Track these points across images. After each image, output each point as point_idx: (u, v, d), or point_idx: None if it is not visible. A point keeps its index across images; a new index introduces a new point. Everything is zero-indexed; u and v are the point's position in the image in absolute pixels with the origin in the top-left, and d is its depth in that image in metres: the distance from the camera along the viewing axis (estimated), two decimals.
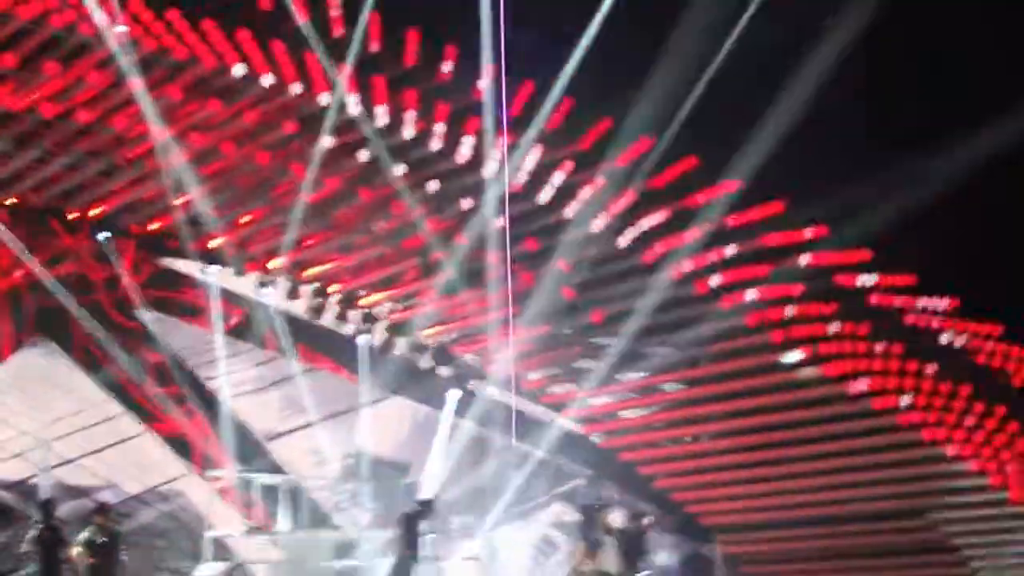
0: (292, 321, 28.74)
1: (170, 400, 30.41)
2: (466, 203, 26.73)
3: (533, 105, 26.13)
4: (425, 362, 29.40)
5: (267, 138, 25.69)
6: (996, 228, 27.71)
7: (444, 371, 29.44)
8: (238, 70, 24.57)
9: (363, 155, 25.95)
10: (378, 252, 27.98)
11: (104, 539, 22.66)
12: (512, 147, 26.36)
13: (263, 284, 28.11)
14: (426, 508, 24.33)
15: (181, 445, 30.77)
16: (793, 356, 26.73)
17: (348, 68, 25.06)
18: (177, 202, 27.10)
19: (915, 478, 26.70)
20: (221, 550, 26.59)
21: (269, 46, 24.90)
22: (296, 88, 24.96)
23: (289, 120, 25.38)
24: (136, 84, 24.29)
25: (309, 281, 28.35)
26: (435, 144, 25.96)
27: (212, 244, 27.73)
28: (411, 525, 23.65)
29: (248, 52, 24.72)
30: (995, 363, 27.78)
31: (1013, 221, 27.68)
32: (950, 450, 26.39)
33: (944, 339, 27.70)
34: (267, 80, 24.77)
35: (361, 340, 28.89)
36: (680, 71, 25.67)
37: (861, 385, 26.58)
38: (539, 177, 26.69)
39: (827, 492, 27.11)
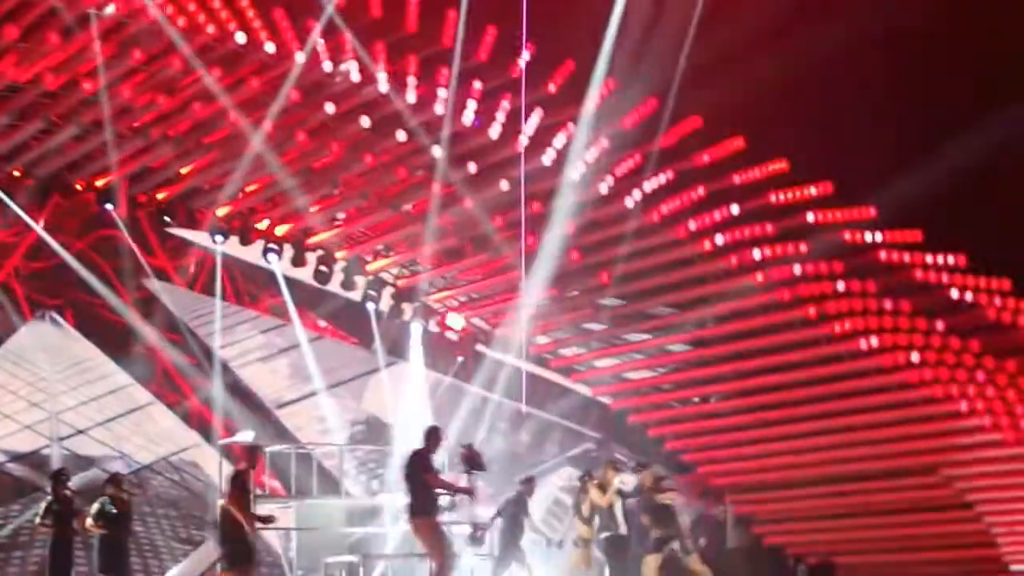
0: (299, 288, 28.74)
1: (180, 369, 30.53)
2: (472, 167, 26.63)
3: (538, 68, 26.01)
4: (433, 327, 29.42)
5: (271, 106, 25.60)
6: (1001, 184, 27.61)
7: (451, 335, 29.46)
8: (240, 38, 24.46)
9: (366, 121, 25.83)
10: (384, 217, 27.92)
11: (116, 510, 22.73)
12: (516, 110, 26.26)
13: (269, 251, 28.06)
14: (528, 486, 23.53)
15: (191, 414, 30.90)
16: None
17: (349, 34, 24.93)
18: (183, 171, 27.12)
19: (926, 435, 26.61)
20: None
21: (270, 14, 24.78)
22: (298, 56, 24.84)
23: (291, 87, 25.27)
24: (139, 54, 24.19)
25: (315, 248, 28.31)
26: (439, 108, 25.83)
27: (219, 213, 27.72)
28: (516, 509, 23.20)
29: (248, 20, 24.59)
30: (1005, 318, 27.65)
31: (1019, 177, 27.56)
32: (961, 406, 26.29)
33: (953, 295, 27.59)
34: (269, 48, 24.65)
35: (369, 306, 28.91)
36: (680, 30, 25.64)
37: (871, 342, 26.50)
38: (542, 139, 26.58)
39: (837, 451, 27.04)
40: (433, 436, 19.88)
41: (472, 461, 20.47)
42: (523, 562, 22.59)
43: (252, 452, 20.09)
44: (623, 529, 23.08)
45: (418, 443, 19.80)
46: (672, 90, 26.40)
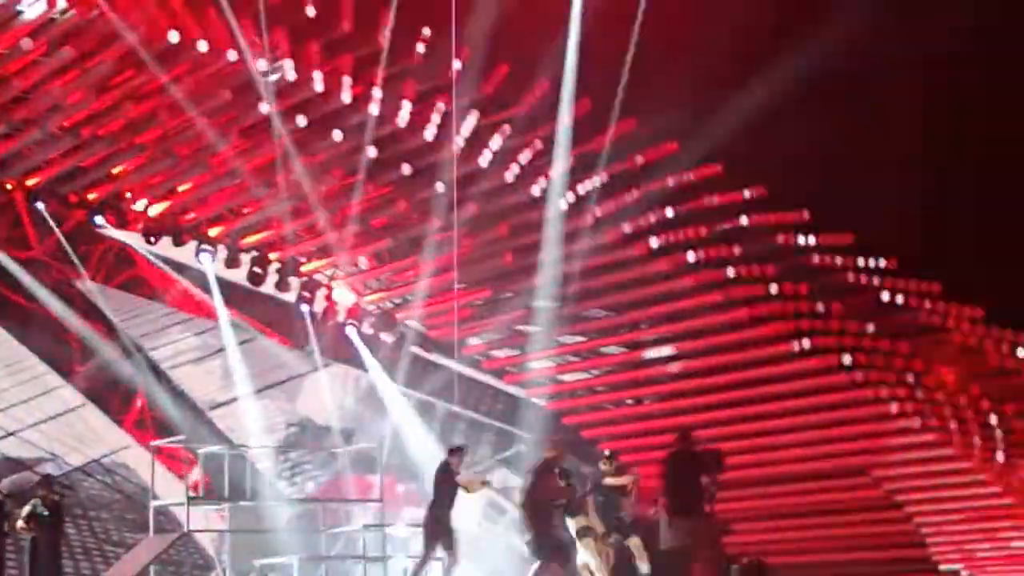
0: (232, 289, 28.61)
1: (112, 370, 30.31)
2: (406, 168, 26.62)
3: (473, 70, 26.03)
4: (367, 328, 29.36)
5: (204, 106, 25.49)
6: (934, 187, 27.84)
7: (386, 337, 29.40)
8: (172, 37, 24.34)
9: (301, 122, 25.77)
10: (319, 219, 27.85)
11: (48, 512, 22.56)
12: (451, 111, 26.27)
13: (202, 252, 27.90)
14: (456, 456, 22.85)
15: (124, 415, 30.71)
16: None
17: (284, 34, 24.88)
18: (115, 171, 26.94)
19: (857, 436, 26.86)
20: (165, 520, 26.51)
21: (204, 13, 24.67)
22: (232, 55, 24.75)
23: (225, 87, 25.18)
24: (70, 52, 24.04)
25: (248, 249, 28.19)
26: (374, 109, 25.80)
27: (151, 213, 27.55)
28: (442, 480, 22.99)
29: (182, 19, 24.48)
30: (934, 321, 27.93)
31: (950, 179, 27.79)
32: (891, 408, 26.54)
33: (884, 298, 27.84)
34: (202, 47, 24.55)
35: (302, 307, 28.83)
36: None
37: (802, 344, 26.70)
38: (479, 142, 26.61)
39: (769, 452, 27.27)
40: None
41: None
42: (450, 546, 22.32)
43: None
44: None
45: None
46: (617, 99, 26.47)
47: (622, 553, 22.73)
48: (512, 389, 30.33)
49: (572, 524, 23.16)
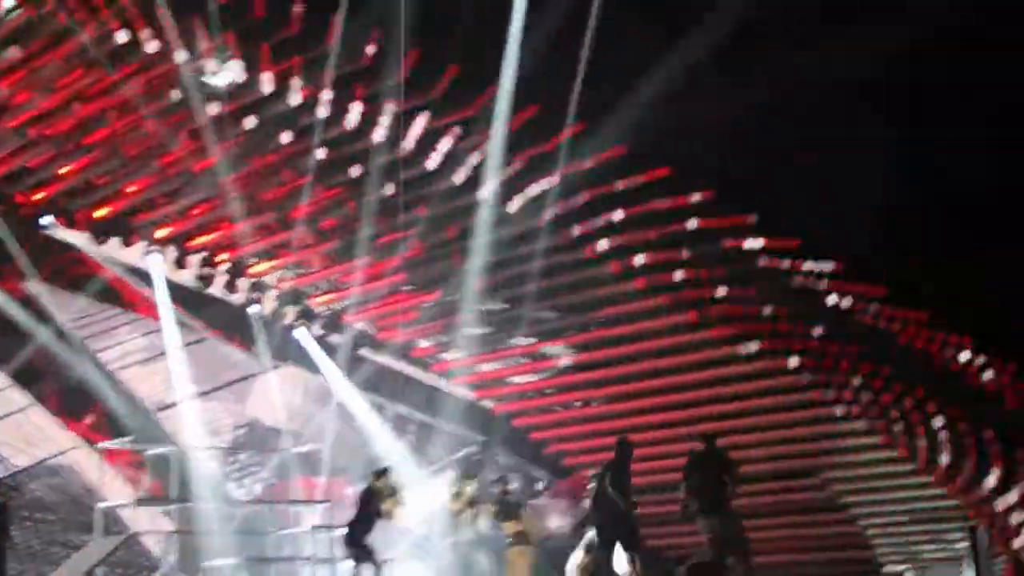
0: (181, 291, 28.51)
1: (59, 372, 30.16)
2: (355, 170, 26.59)
3: (421, 71, 26.02)
4: (316, 330, 29.32)
5: (153, 106, 25.42)
6: (881, 192, 28.04)
7: (335, 339, 29.38)
8: (121, 37, 24.25)
9: (250, 122, 25.73)
10: (267, 220, 27.79)
11: None
12: (400, 114, 26.27)
13: (150, 254, 27.80)
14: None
15: (71, 417, 30.54)
16: None
17: (233, 35, 24.83)
18: (63, 171, 26.81)
19: (804, 439, 27.00)
20: (112, 522, 26.42)
21: (153, 12, 24.59)
22: (181, 55, 24.68)
23: (174, 88, 25.12)
24: (16, 52, 23.94)
25: (197, 250, 28.11)
26: (322, 111, 25.78)
27: (98, 214, 27.43)
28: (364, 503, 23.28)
29: (130, 18, 24.39)
30: (880, 324, 28.13)
31: (895, 187, 28.01)
32: (837, 411, 26.70)
33: (831, 301, 28.01)
34: (151, 47, 24.47)
35: (251, 309, 28.76)
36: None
37: (750, 347, 26.84)
38: (427, 144, 26.61)
39: None
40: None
41: None
42: (369, 560, 22.60)
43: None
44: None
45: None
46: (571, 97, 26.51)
47: None
48: (461, 391, 30.39)
49: (507, 528, 23.50)
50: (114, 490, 27.42)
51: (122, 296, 30.40)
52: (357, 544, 22.62)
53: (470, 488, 23.62)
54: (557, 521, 28.79)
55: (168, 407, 29.73)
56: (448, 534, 23.64)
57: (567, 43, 25.62)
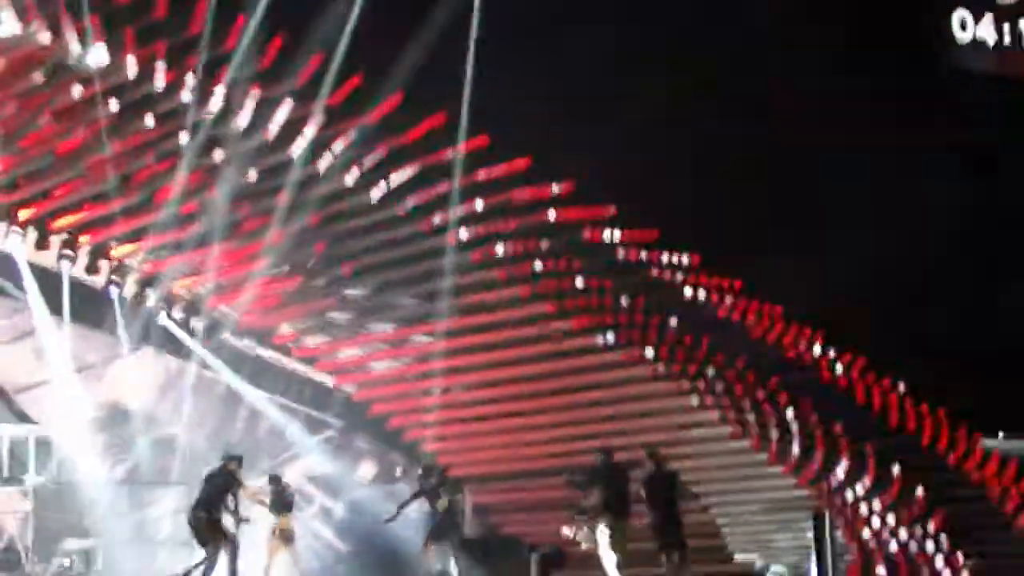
0: (42, 273, 28.38)
1: None
2: (218, 155, 26.65)
3: (286, 58, 26.14)
4: (177, 314, 29.29)
5: (13, 87, 25.32)
6: (735, 185, 28.53)
7: (196, 323, 29.38)
8: None
9: (114, 106, 25.70)
10: (130, 203, 27.70)
11: None
12: (265, 100, 26.37)
13: (11, 235, 27.65)
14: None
15: None
16: None
17: (98, 18, 24.80)
18: None
19: (657, 428, 27.36)
20: None
21: None
22: (44, 37, 24.61)
23: (36, 70, 25.05)
24: None
25: (58, 232, 27.98)
26: (186, 95, 25.82)
27: None
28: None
29: None
30: (735, 316, 28.65)
31: (751, 178, 28.50)
32: (692, 401, 27.13)
33: (687, 293, 28.49)
34: (12, 28, 24.39)
35: (112, 292, 28.69)
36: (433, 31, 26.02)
37: (606, 338, 27.22)
38: (291, 131, 26.74)
39: (572, 443, 27.68)
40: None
41: None
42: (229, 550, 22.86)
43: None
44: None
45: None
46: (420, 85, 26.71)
47: None
48: (321, 377, 30.52)
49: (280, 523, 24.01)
50: None
51: None
52: (212, 525, 22.64)
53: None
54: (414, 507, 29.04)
55: (28, 389, 29.59)
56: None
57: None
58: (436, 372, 29.31)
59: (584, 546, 23.45)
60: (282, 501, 24.88)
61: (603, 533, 22.94)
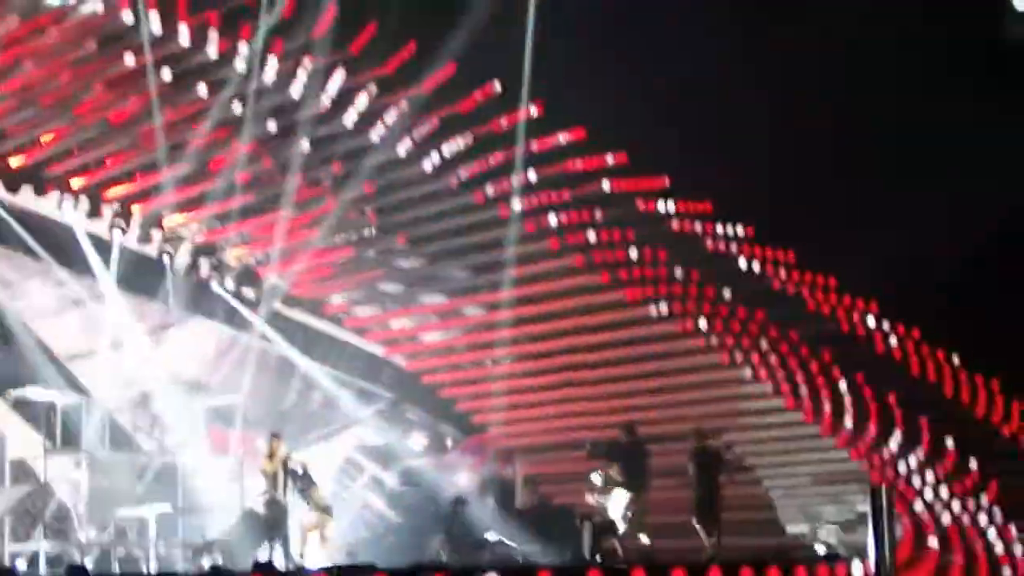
0: (94, 241, 28.40)
1: None
2: (272, 125, 26.60)
3: (338, 27, 26.04)
4: (230, 284, 29.30)
5: (69, 56, 25.31)
6: (791, 157, 28.32)
7: (248, 293, 29.37)
8: None
9: (166, 74, 25.67)
10: (182, 172, 27.70)
11: None
12: (317, 70, 26.28)
13: (65, 204, 27.67)
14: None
15: None
16: None
17: None
18: None
19: (711, 400, 27.32)
20: (23, 472, 26.34)
21: None
22: (97, 5, 24.57)
23: (90, 38, 25.02)
24: None
25: (111, 201, 28.00)
26: (239, 65, 25.75)
27: (13, 163, 27.27)
28: None
29: None
30: (788, 289, 28.51)
31: (804, 151, 28.29)
32: (746, 372, 27.06)
33: (741, 264, 28.35)
34: None
35: (165, 261, 28.71)
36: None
37: (660, 309, 27.13)
38: (344, 100, 26.65)
39: (625, 414, 27.59)
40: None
41: None
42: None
43: None
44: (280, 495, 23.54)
45: None
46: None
47: None
48: (372, 348, 30.52)
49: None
50: (25, 440, 27.25)
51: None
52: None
53: (283, 448, 23.71)
54: (465, 478, 29.04)
55: (80, 357, 29.62)
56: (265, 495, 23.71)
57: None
58: (488, 343, 29.31)
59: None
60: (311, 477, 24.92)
61: (619, 505, 23.60)
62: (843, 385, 27.43)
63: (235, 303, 29.21)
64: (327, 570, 20.13)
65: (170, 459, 26.77)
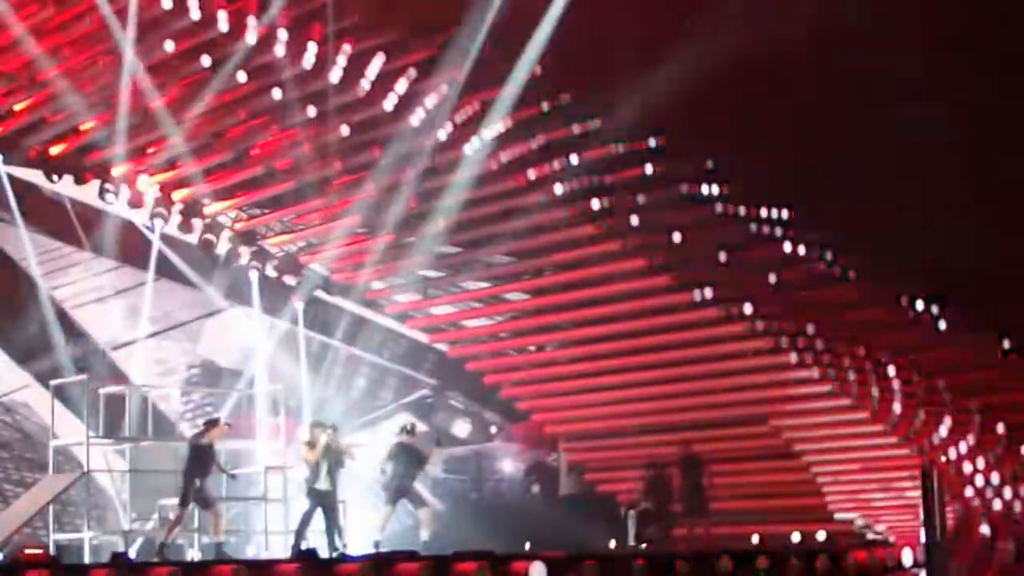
0: (136, 230, 28.41)
1: (15, 308, 30.05)
2: (312, 111, 26.47)
3: (378, 12, 25.89)
4: (270, 271, 29.24)
5: (109, 43, 25.26)
6: (839, 141, 28.02)
7: (290, 280, 29.30)
8: None
9: (206, 62, 25.57)
10: (223, 159, 27.63)
11: None
12: (357, 55, 26.13)
13: (105, 192, 27.64)
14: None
15: (25, 354, 30.45)
16: None
17: None
18: (17, 108, 26.63)
19: (756, 386, 27.07)
20: (66, 460, 26.39)
21: None
22: None
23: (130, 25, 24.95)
24: None
25: (152, 189, 27.94)
26: (280, 51, 25.63)
27: (54, 151, 27.27)
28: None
29: None
30: (834, 272, 28.22)
31: (852, 135, 27.99)
32: (791, 358, 26.78)
33: (786, 248, 28.07)
34: None
35: (206, 249, 28.67)
36: None
37: (704, 293, 26.88)
38: (383, 85, 26.50)
39: (669, 400, 27.47)
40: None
41: None
42: (209, 507, 22.88)
43: None
44: (323, 484, 23.34)
45: None
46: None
47: None
48: (414, 334, 30.41)
49: None
50: (68, 428, 27.30)
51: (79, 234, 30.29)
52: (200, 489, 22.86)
53: (324, 437, 23.50)
54: (509, 465, 28.96)
55: (123, 346, 29.67)
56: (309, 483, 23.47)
57: None
58: (530, 330, 29.16)
59: None
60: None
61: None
62: (892, 370, 27.13)
63: (276, 290, 29.15)
64: (369, 557, 20.07)
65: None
